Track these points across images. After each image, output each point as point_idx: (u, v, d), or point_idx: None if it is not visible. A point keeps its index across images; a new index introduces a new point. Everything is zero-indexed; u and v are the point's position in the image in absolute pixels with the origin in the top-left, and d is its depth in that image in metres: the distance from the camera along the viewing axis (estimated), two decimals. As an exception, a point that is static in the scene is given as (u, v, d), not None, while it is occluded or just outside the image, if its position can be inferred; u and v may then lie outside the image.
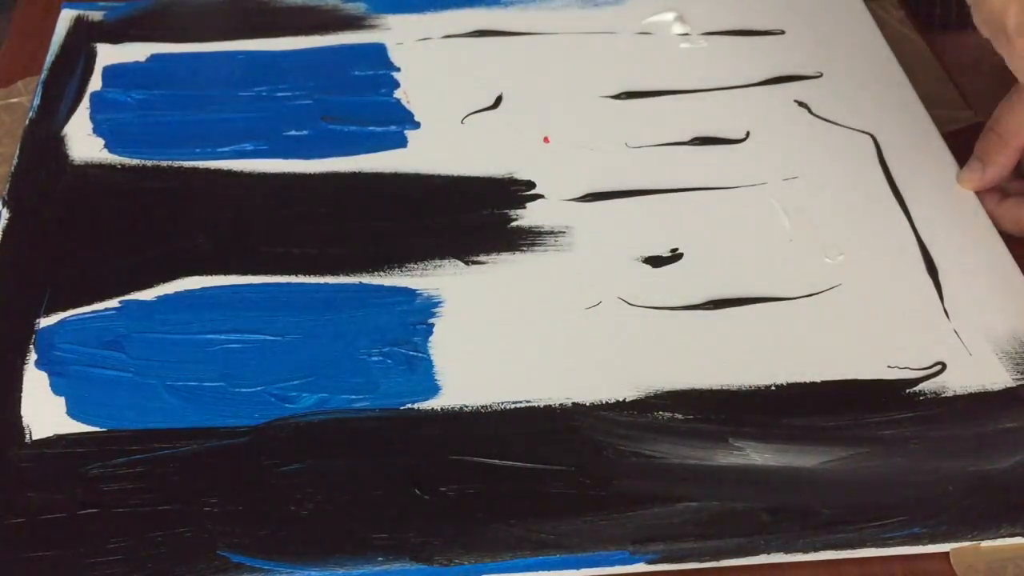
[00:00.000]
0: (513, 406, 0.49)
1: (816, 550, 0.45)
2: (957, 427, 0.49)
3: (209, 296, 0.54)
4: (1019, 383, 0.51)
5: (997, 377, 0.51)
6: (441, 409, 0.49)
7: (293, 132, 0.63)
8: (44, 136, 0.62)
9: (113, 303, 0.54)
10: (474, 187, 0.60)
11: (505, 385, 0.50)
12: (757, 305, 0.54)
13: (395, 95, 0.65)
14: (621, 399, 0.50)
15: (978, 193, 0.59)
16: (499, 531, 0.45)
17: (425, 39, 0.69)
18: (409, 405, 0.50)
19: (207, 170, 0.61)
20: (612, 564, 0.45)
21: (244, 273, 0.55)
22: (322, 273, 0.55)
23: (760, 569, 0.45)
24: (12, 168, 0.60)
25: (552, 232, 0.58)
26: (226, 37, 0.69)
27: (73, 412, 0.49)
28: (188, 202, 0.59)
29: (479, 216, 0.58)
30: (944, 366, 0.51)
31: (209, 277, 0.55)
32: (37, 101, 0.64)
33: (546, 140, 0.63)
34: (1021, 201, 0.58)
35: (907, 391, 0.50)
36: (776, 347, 0.52)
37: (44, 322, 0.52)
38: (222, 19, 0.71)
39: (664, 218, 0.58)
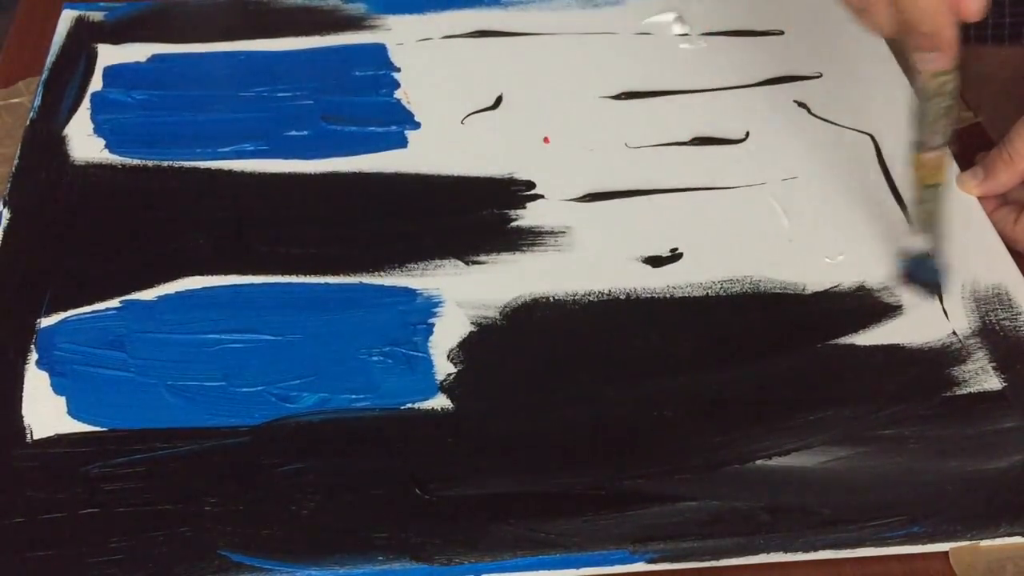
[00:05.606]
0: (513, 406, 0.50)
1: (816, 550, 0.45)
2: (957, 427, 0.49)
3: (209, 296, 0.54)
4: (1018, 383, 0.51)
5: (996, 377, 0.51)
6: (441, 409, 0.49)
7: (293, 132, 0.63)
8: (45, 136, 0.62)
9: (114, 303, 0.54)
10: (474, 187, 0.60)
11: (505, 385, 0.50)
12: (756, 305, 0.54)
13: (395, 95, 0.65)
14: (621, 399, 0.50)
15: (990, 213, 0.59)
16: (499, 531, 0.45)
17: (425, 39, 0.69)
18: (409, 405, 0.50)
19: (207, 170, 0.61)
20: (612, 564, 0.45)
21: (244, 273, 0.55)
22: (322, 273, 0.55)
23: (760, 569, 0.45)
24: (13, 168, 0.60)
25: (552, 232, 0.58)
26: (226, 37, 0.69)
27: (74, 412, 0.49)
28: (188, 202, 0.59)
29: (479, 216, 0.58)
30: (944, 367, 0.51)
31: (209, 277, 0.55)
32: (38, 101, 0.64)
33: (546, 140, 0.63)
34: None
35: (907, 391, 0.50)
36: (775, 347, 0.52)
37: (45, 322, 0.53)
38: (222, 19, 0.71)
39: (664, 218, 0.58)
